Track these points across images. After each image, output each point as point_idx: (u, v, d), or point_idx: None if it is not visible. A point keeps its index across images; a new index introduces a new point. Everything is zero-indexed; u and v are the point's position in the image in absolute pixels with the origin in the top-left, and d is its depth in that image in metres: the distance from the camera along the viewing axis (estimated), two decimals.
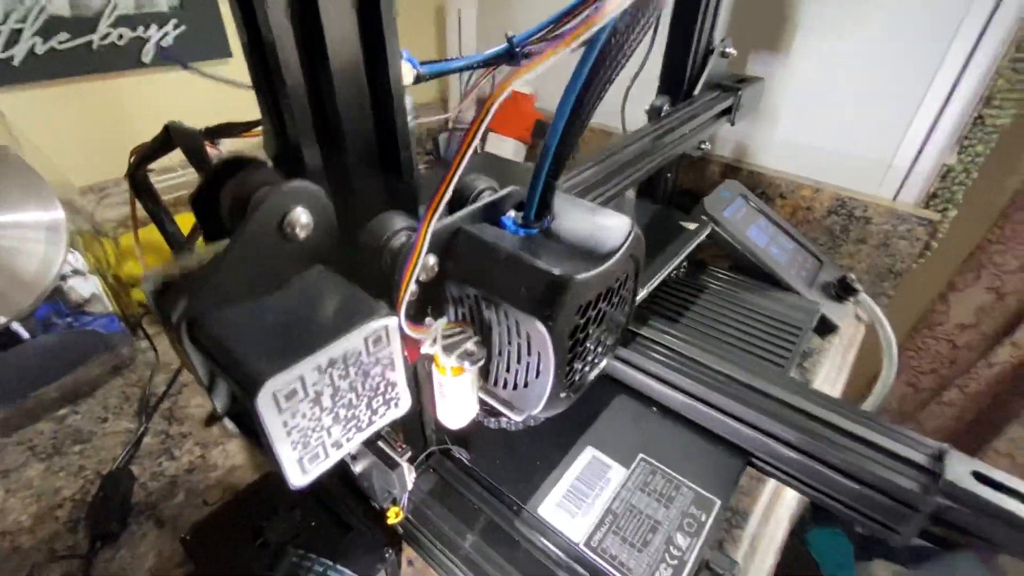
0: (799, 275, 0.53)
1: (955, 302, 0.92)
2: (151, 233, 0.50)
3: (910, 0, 0.52)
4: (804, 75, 0.61)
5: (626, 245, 0.21)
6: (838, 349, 0.52)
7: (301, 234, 0.18)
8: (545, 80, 0.81)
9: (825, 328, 0.51)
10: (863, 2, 0.54)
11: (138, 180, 0.46)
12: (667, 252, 0.46)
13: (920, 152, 0.57)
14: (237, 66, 0.67)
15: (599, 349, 0.24)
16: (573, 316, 0.19)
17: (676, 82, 0.51)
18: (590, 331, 0.21)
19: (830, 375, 0.50)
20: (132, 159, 0.45)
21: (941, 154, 0.56)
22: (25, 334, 0.40)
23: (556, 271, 0.19)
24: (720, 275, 0.54)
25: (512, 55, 0.26)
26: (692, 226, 0.48)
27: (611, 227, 0.21)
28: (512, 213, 0.23)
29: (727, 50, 0.52)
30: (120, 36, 0.57)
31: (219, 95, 0.65)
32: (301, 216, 0.17)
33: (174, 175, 0.64)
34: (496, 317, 0.21)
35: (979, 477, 0.29)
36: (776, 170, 0.66)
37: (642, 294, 0.44)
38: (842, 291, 0.52)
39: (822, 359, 0.50)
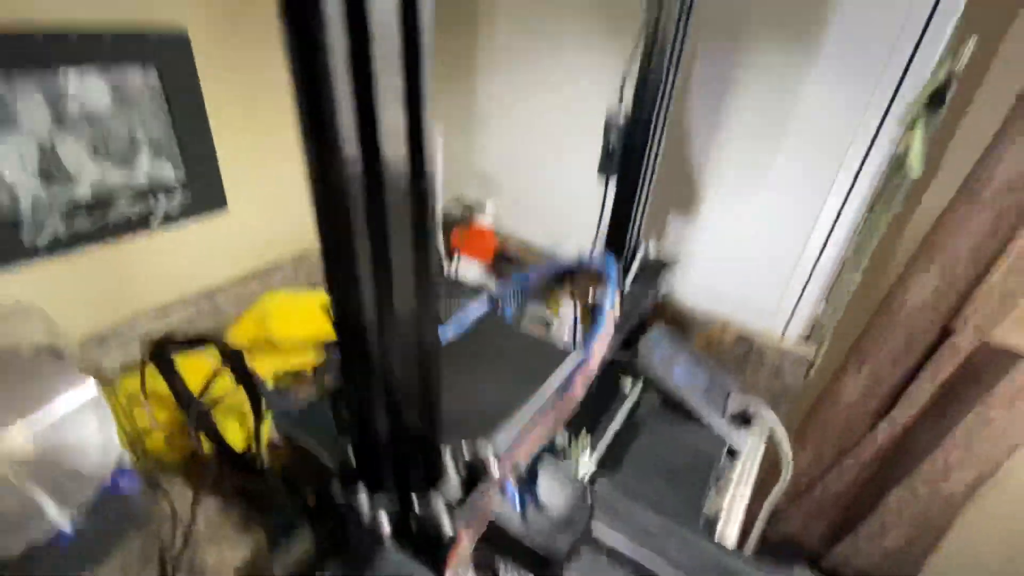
0: (714, 406, 0.67)
1: (848, 385, 1.10)
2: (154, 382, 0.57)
3: (787, 182, 0.68)
4: (712, 234, 0.76)
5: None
6: (746, 464, 0.66)
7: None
8: (502, 217, 0.94)
9: (733, 454, 0.64)
10: (753, 183, 0.70)
11: (163, 361, 0.54)
12: (611, 411, 0.59)
13: (799, 300, 0.74)
14: (233, 216, 0.75)
15: None
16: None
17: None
18: None
19: (739, 490, 0.63)
20: (153, 344, 0.53)
21: (814, 304, 0.73)
22: (67, 527, 0.44)
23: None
24: (651, 414, 0.67)
25: None
26: (628, 385, 0.61)
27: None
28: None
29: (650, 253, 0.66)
30: (135, 211, 0.64)
31: (216, 249, 0.73)
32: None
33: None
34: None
35: None
36: (695, 307, 0.81)
37: (593, 457, 0.55)
38: (745, 420, 0.66)
39: (732, 476, 0.63)
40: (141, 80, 0.60)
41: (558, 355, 0.46)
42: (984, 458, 1.00)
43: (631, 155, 0.52)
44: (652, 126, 0.50)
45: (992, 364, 0.98)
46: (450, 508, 0.29)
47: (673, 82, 0.52)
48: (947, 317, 0.97)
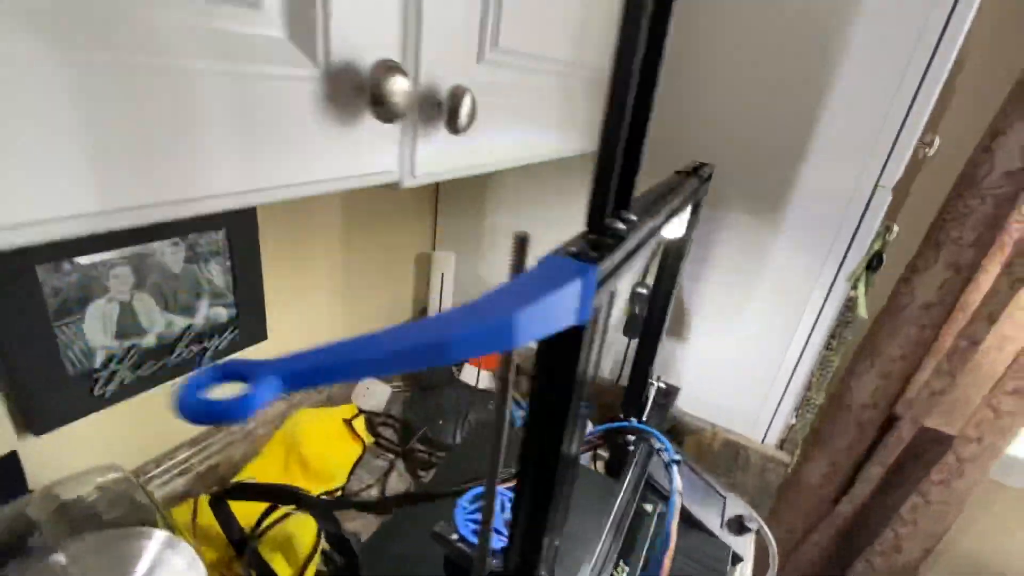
0: (713, 515, 0.77)
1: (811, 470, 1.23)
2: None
3: (762, 319, 0.82)
4: (701, 353, 0.89)
5: None
6: (747, 568, 0.75)
7: None
8: None
9: (735, 559, 0.73)
10: (733, 319, 0.84)
11: (219, 506, 0.58)
12: (640, 535, 0.67)
13: (775, 412, 0.86)
14: (271, 344, 0.81)
15: None
16: None
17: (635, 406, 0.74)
18: None
19: None
20: (215, 491, 0.57)
21: (787, 416, 0.86)
22: None
23: None
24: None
25: None
26: (650, 508, 0.70)
27: None
28: None
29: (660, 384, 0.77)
30: (190, 352, 0.69)
31: None
32: None
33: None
34: None
35: None
36: (687, 415, 0.92)
37: None
38: (740, 528, 0.76)
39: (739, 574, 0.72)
40: (211, 240, 0.67)
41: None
42: (929, 532, 1.14)
43: (652, 318, 0.63)
44: (670, 293, 0.62)
45: (930, 447, 1.14)
46: None
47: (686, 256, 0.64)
48: (890, 405, 1.13)
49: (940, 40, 0.60)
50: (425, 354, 0.16)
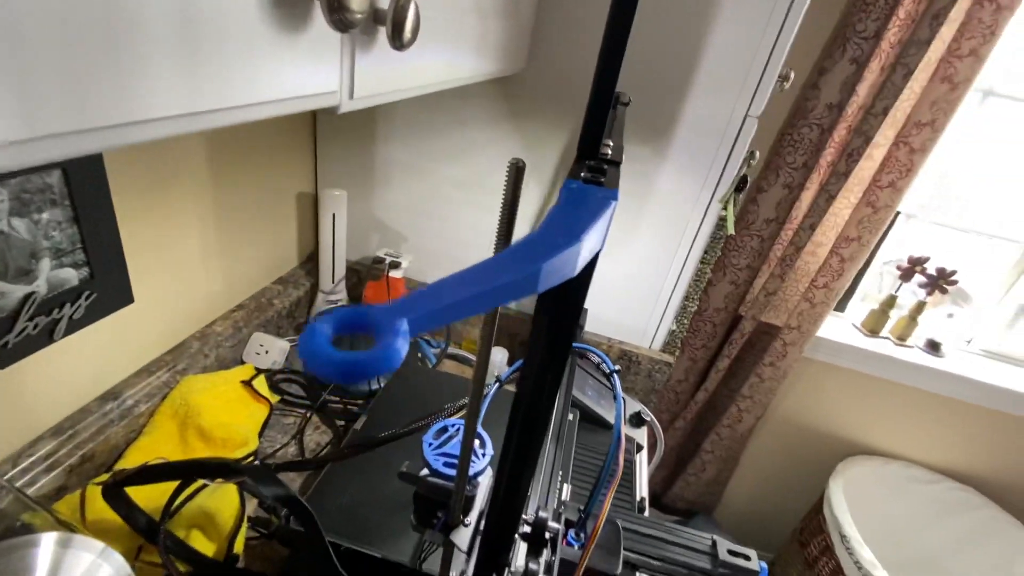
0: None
1: (676, 367, 1.44)
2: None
3: (650, 240, 0.90)
4: (600, 277, 0.96)
5: None
6: (644, 453, 0.88)
7: None
8: (411, 269, 1.00)
9: (639, 447, 0.85)
10: (627, 241, 0.91)
11: (116, 497, 0.52)
12: (568, 445, 0.73)
13: (660, 321, 0.98)
14: (138, 307, 0.68)
15: None
16: None
17: None
18: None
19: (644, 470, 0.85)
20: (109, 478, 0.51)
21: (670, 323, 0.98)
22: None
23: None
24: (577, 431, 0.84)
25: None
26: (571, 418, 0.77)
27: None
28: None
29: None
30: (36, 325, 0.55)
31: (120, 345, 0.67)
32: None
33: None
34: None
35: (730, 552, 0.63)
36: (590, 332, 1.00)
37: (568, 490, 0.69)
38: (639, 422, 0.88)
39: (641, 460, 0.84)
40: (43, 185, 0.52)
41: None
42: (761, 403, 1.43)
43: None
44: None
45: (763, 337, 1.40)
46: (548, 567, 0.40)
47: None
48: (736, 308, 1.36)
49: None
50: (522, 285, 0.15)
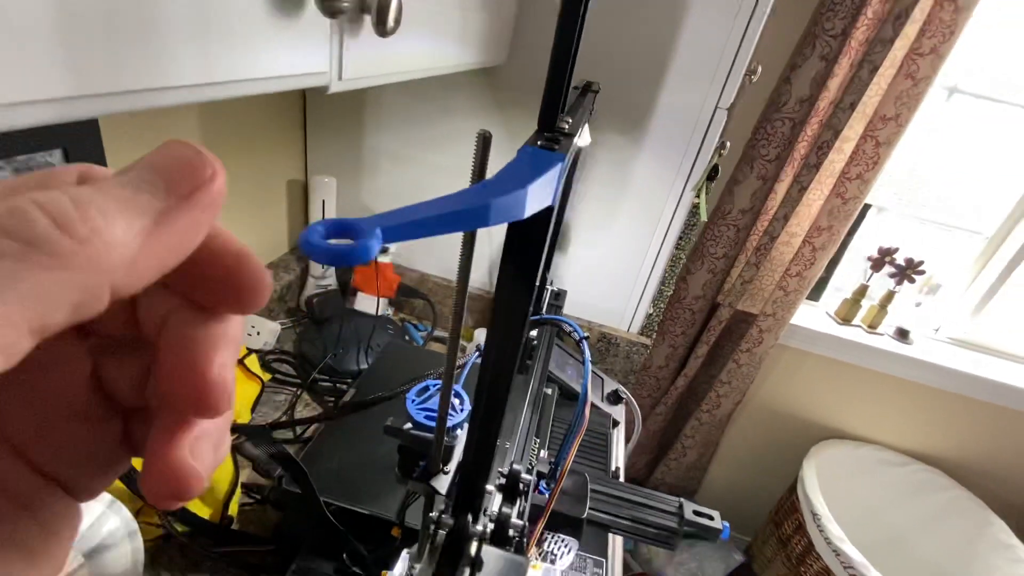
0: (595, 391, 0.91)
1: (656, 354, 1.48)
2: None
3: (627, 227, 0.95)
4: (579, 262, 1.00)
5: None
6: (621, 429, 0.92)
7: None
8: (399, 255, 1.04)
9: (614, 423, 0.90)
10: (604, 228, 0.96)
11: None
12: (545, 415, 0.78)
13: (638, 305, 1.03)
14: None
15: None
16: None
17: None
18: None
19: (620, 444, 0.89)
20: None
21: (646, 307, 1.03)
22: None
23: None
24: (557, 405, 0.88)
25: None
26: (549, 392, 0.81)
27: None
28: None
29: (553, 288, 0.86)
30: None
31: None
32: None
33: None
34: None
35: (695, 512, 0.68)
36: (570, 314, 1.05)
37: (544, 455, 0.74)
38: (615, 399, 0.92)
39: (618, 436, 0.89)
40: (46, 163, 0.55)
41: None
42: (739, 389, 1.48)
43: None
44: (566, 203, 0.69)
45: (740, 324, 1.45)
46: (520, 513, 0.44)
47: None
48: (714, 296, 1.41)
49: None
50: (476, 214, 0.19)
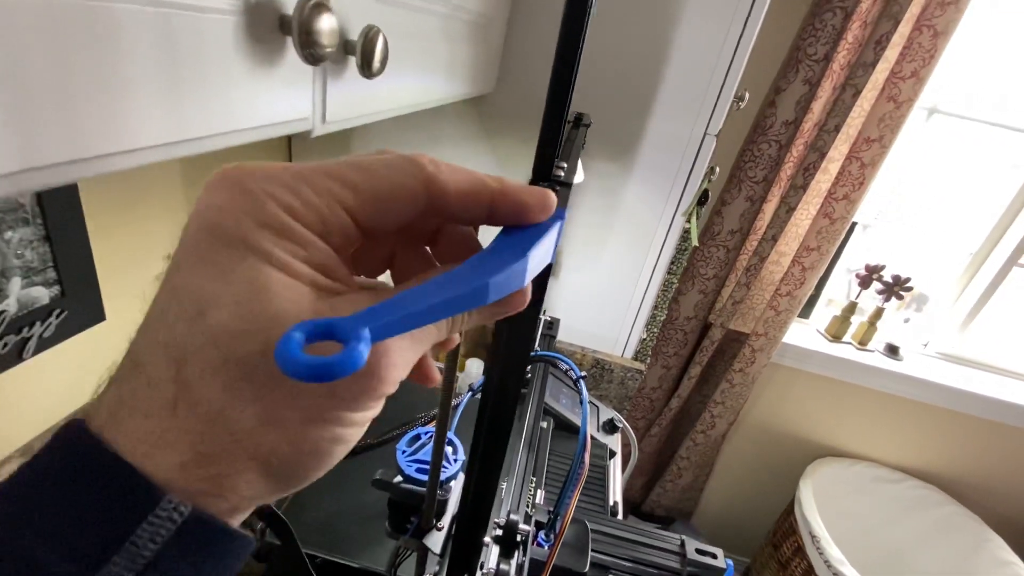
0: (593, 424, 0.89)
1: (650, 375, 1.47)
2: None
3: (619, 252, 0.94)
4: (571, 288, 0.99)
5: None
6: (618, 460, 0.90)
7: None
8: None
9: (611, 454, 0.87)
10: (596, 254, 0.95)
11: None
12: (541, 451, 0.75)
13: (631, 330, 1.01)
14: (111, 324, 0.68)
15: None
16: None
17: None
18: None
19: (617, 476, 0.87)
20: None
21: (640, 332, 1.02)
22: None
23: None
24: (552, 437, 0.86)
25: None
26: (545, 425, 0.79)
27: None
28: None
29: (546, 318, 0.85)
30: (4, 344, 0.55)
31: (91, 363, 0.67)
32: None
33: None
34: None
35: (698, 551, 0.66)
36: (561, 340, 1.03)
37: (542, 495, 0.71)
38: (611, 428, 0.90)
39: (615, 467, 0.87)
40: (14, 204, 0.53)
41: None
42: (733, 408, 1.47)
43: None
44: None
45: (732, 344, 1.44)
46: (519, 567, 0.42)
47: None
48: (706, 316, 1.40)
49: (748, 16, 0.72)
50: (472, 296, 0.18)
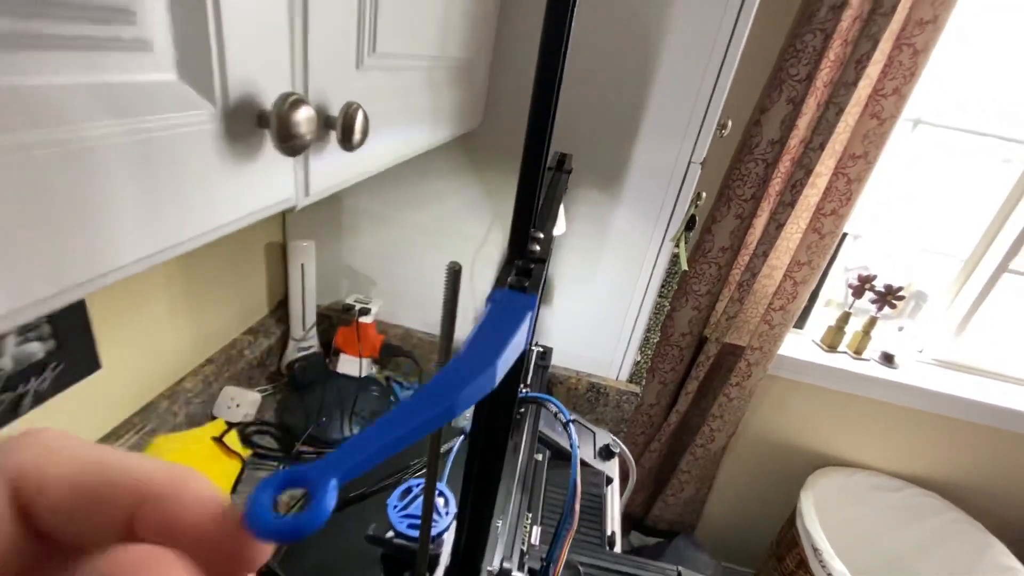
0: (587, 448, 0.90)
1: (647, 391, 1.47)
2: None
3: (611, 277, 0.95)
4: (564, 313, 1.00)
5: None
6: (615, 487, 0.90)
7: None
8: (381, 313, 1.02)
9: (608, 480, 0.88)
10: (590, 271, 0.95)
11: None
12: (537, 485, 0.76)
13: (625, 353, 1.02)
14: (107, 373, 0.69)
15: None
16: None
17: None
18: None
19: (615, 504, 0.87)
20: None
21: (634, 355, 1.02)
22: None
23: None
24: (548, 468, 0.86)
25: None
26: (540, 456, 0.79)
27: None
28: None
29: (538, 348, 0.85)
30: (2, 401, 0.56)
31: (88, 412, 0.67)
32: None
33: None
34: None
35: None
36: (556, 366, 1.04)
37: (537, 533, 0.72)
38: (608, 454, 0.91)
39: (612, 494, 0.87)
40: None
41: None
42: (732, 421, 1.47)
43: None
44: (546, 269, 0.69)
45: (728, 358, 1.45)
46: None
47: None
48: (701, 331, 1.41)
49: (729, 45, 0.74)
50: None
